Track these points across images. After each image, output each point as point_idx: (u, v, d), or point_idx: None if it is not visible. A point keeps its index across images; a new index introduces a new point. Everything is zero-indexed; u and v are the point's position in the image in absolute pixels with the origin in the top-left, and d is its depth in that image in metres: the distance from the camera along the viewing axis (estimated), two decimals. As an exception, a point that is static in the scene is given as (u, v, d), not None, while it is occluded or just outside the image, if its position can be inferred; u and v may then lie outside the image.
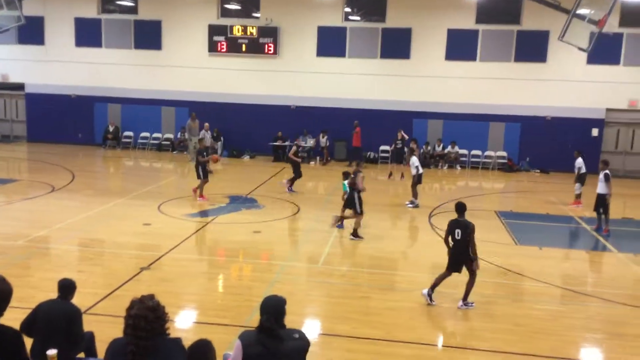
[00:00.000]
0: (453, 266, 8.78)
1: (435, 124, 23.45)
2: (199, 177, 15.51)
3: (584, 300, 9.48)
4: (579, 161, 16.43)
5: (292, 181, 17.18)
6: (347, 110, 23.49)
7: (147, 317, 3.76)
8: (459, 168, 23.22)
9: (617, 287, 10.29)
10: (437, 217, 14.73)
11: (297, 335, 4.23)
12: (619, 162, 22.99)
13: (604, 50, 20.16)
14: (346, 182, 13.40)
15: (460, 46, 22.90)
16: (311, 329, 8.06)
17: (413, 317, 8.51)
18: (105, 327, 6.60)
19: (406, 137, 20.99)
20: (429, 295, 8.92)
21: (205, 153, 15.93)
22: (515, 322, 8.48)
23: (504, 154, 23.36)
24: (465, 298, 8.83)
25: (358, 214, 12.54)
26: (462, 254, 8.60)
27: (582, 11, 15.27)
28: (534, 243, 12.63)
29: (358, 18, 23.77)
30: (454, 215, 8.83)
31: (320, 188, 19.43)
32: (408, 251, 12.50)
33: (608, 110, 22.66)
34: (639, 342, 7.96)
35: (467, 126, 23.22)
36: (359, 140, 22.58)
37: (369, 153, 23.76)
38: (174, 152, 24.67)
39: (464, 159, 23.47)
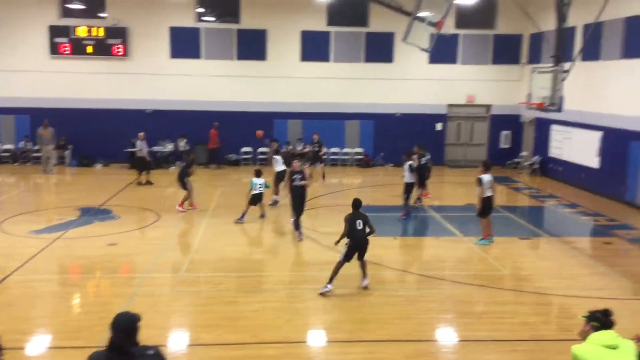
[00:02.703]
0: (351, 256, 9.46)
1: (295, 124, 23.82)
2: (185, 188, 15.33)
3: (436, 284, 10.18)
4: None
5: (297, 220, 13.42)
6: (206, 113, 23.05)
7: None
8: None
9: (464, 269, 11.20)
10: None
11: (151, 352, 4.07)
12: (461, 153, 25.02)
13: (443, 51, 21.84)
14: (255, 179, 13.76)
15: (314, 47, 23.48)
16: (174, 341, 7.81)
17: (279, 316, 8.57)
18: None
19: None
20: (328, 291, 9.38)
21: (191, 164, 15.66)
22: (374, 311, 8.88)
23: (360, 150, 24.37)
24: (365, 276, 9.71)
25: None
26: (362, 242, 9.48)
27: (422, 14, 16.34)
28: (390, 233, 13.31)
29: (212, 19, 23.41)
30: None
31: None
32: (273, 251, 12.54)
33: (449, 105, 24.53)
34: (483, 319, 8.72)
35: (325, 125, 23.84)
36: (216, 142, 22.59)
37: (230, 155, 23.57)
38: (16, 164, 22.59)
39: (324, 156, 24.06)
